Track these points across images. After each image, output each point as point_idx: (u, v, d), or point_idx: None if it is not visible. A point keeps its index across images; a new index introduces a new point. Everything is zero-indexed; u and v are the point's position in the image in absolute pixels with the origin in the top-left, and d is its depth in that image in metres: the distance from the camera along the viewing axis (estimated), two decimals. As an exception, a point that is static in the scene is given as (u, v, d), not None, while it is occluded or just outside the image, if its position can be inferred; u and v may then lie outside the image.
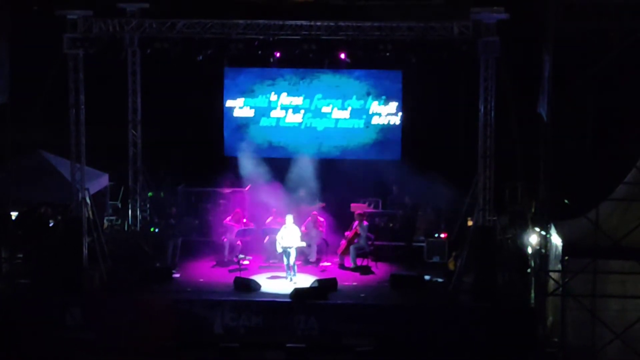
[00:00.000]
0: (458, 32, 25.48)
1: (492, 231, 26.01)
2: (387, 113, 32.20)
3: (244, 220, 29.23)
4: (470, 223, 27.11)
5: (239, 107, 32.57)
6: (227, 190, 31.17)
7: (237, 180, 31.18)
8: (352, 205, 30.38)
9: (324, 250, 29.13)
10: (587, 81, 23.77)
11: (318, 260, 28.89)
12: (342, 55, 28.32)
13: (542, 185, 24.52)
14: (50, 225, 28.43)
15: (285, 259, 27.29)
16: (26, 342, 24.79)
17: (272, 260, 28.48)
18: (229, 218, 29.01)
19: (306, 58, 27.59)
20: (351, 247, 28.52)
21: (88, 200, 26.88)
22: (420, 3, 31.31)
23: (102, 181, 30.46)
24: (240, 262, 27.59)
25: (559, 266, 23.68)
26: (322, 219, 29.30)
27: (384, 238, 29.55)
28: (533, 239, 25.80)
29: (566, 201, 24.80)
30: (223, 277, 27.55)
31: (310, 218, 29.00)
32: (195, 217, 30.88)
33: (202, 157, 32.49)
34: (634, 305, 23.06)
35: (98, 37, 26.21)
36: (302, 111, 32.35)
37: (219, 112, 32.67)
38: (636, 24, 23.67)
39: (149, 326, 24.87)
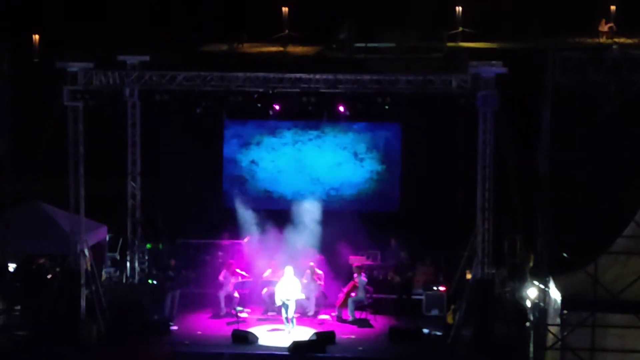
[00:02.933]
0: (457, 86, 25.61)
1: (491, 284, 25.96)
2: (385, 165, 32.21)
3: (240, 271, 29.05)
4: (469, 276, 27.04)
5: (238, 159, 32.62)
6: (225, 242, 31.08)
7: (235, 231, 31.11)
8: (350, 257, 30.34)
9: (322, 302, 29.02)
10: (585, 133, 23.79)
11: (316, 313, 28.76)
12: (341, 108, 28.42)
13: (541, 238, 24.46)
14: (49, 277, 28.33)
15: (284, 312, 27.19)
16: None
17: (271, 313, 28.38)
18: (222, 273, 28.85)
19: (305, 111, 27.63)
20: (349, 300, 28.40)
21: (86, 252, 26.88)
22: (419, 57, 31.53)
23: (101, 233, 30.40)
24: (238, 314, 27.55)
25: (558, 320, 23.56)
26: (320, 272, 29.19)
27: (382, 291, 29.42)
28: (532, 292, 25.67)
29: (565, 254, 24.73)
30: (221, 329, 27.41)
31: (308, 270, 28.90)
32: (194, 269, 30.77)
33: (201, 209, 32.46)
34: (633, 360, 22.97)
35: (98, 89, 26.33)
36: (301, 163, 32.38)
37: (218, 164, 32.71)
38: (635, 77, 23.74)
39: (147, 379, 24.79)
